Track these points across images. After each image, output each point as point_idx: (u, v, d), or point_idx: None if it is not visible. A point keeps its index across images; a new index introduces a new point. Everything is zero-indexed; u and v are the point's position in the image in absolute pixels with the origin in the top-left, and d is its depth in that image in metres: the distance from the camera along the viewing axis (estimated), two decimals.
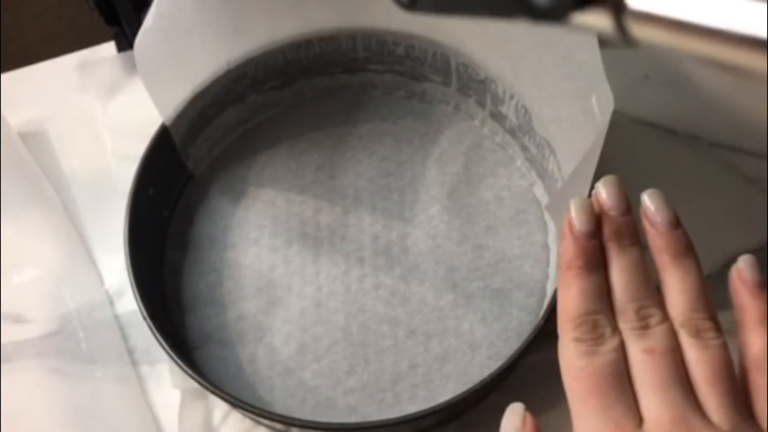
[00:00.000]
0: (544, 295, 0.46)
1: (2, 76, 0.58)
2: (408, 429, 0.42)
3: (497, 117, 0.51)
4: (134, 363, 0.47)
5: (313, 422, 0.40)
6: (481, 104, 0.52)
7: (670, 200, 0.29)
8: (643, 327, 0.26)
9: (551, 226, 0.48)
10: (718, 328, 0.27)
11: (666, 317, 0.27)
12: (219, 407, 0.45)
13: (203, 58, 0.48)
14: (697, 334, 0.26)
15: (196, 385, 0.41)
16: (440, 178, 0.51)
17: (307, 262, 0.48)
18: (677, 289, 0.27)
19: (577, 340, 0.27)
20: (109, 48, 0.59)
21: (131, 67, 0.57)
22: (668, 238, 0.28)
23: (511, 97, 0.48)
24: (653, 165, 0.53)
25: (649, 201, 0.29)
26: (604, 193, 0.29)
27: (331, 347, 0.45)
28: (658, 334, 0.26)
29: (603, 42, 0.36)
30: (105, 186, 0.53)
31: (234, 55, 0.49)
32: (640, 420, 0.25)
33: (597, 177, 0.36)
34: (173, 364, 0.41)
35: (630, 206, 0.29)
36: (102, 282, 0.50)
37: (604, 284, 0.28)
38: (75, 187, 0.54)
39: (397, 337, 0.45)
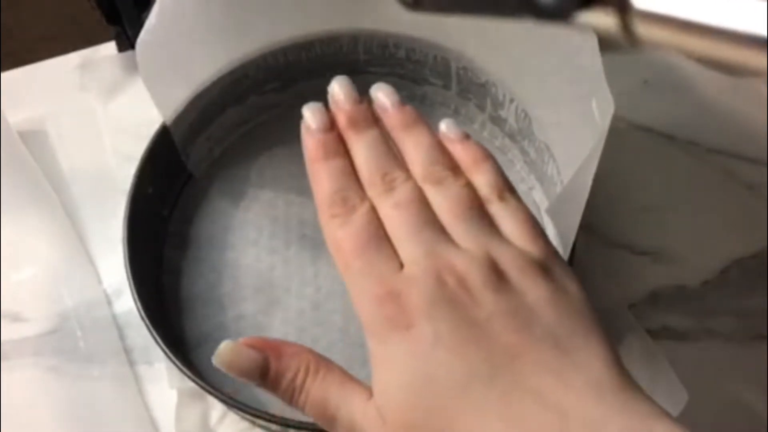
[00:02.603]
0: None
1: (2, 74, 0.58)
2: None
3: (497, 121, 0.51)
4: (132, 362, 0.47)
5: (309, 423, 0.40)
6: (480, 108, 0.52)
7: (395, 90, 0.32)
8: (389, 189, 0.28)
9: (550, 230, 0.48)
10: (457, 174, 0.29)
11: (410, 177, 0.29)
12: (216, 408, 0.45)
13: (204, 58, 0.48)
14: (437, 182, 0.28)
15: (193, 385, 0.41)
16: None
17: (306, 263, 0.48)
18: (414, 152, 0.30)
19: (332, 216, 0.28)
20: (109, 47, 0.59)
21: (132, 67, 0.57)
22: (398, 115, 0.31)
23: (511, 101, 0.49)
24: (652, 170, 0.53)
25: (376, 91, 0.32)
26: (337, 86, 0.32)
27: (330, 348, 0.45)
28: (402, 189, 0.28)
29: (603, 47, 0.36)
30: (104, 185, 0.53)
31: (235, 56, 0.49)
32: (401, 266, 0.26)
33: (596, 181, 0.36)
34: (170, 364, 0.41)
35: (360, 97, 0.31)
36: (100, 281, 0.50)
37: (349, 167, 0.29)
38: (74, 186, 0.53)
39: None
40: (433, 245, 0.26)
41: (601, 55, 0.37)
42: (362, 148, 0.30)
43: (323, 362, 0.29)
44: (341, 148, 0.30)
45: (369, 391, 0.27)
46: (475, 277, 0.25)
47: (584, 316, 0.26)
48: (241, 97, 0.52)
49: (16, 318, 0.48)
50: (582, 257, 0.44)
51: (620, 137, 0.50)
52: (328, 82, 0.54)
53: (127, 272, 0.43)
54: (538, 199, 0.49)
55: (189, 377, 0.40)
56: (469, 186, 0.29)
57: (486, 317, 0.25)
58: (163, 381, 0.45)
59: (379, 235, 0.27)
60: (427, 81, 0.53)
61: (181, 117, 0.48)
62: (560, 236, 0.44)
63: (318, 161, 0.30)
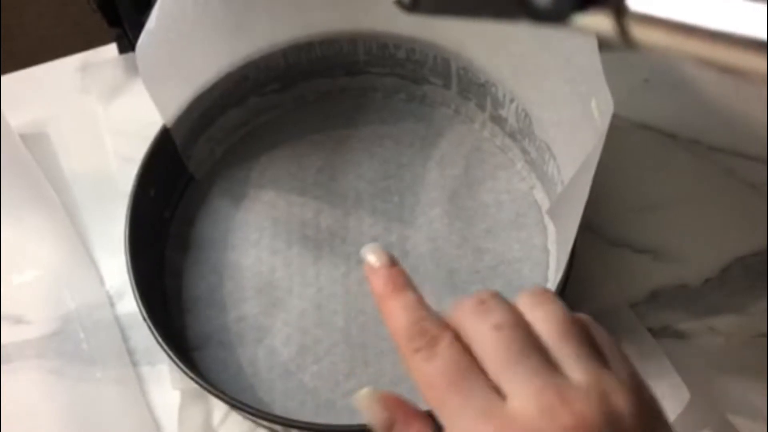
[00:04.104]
0: None
1: (4, 77, 0.58)
2: None
3: (497, 120, 0.51)
4: (134, 364, 0.47)
5: (312, 424, 0.40)
6: (481, 107, 0.52)
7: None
8: (485, 310, 0.26)
9: (551, 230, 0.48)
10: (553, 299, 0.27)
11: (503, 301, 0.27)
12: (219, 408, 0.45)
13: (204, 60, 0.48)
14: (538, 304, 0.26)
15: (195, 386, 0.41)
16: (440, 181, 0.51)
17: (308, 264, 0.48)
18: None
19: (415, 351, 0.26)
20: (110, 50, 0.59)
21: (133, 69, 0.57)
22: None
23: (512, 100, 0.49)
24: (653, 169, 0.53)
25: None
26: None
27: (331, 349, 0.45)
28: (500, 311, 0.26)
29: (603, 46, 0.36)
30: (106, 187, 0.53)
31: (235, 58, 0.49)
32: (503, 397, 0.24)
33: (596, 179, 0.36)
34: (173, 365, 0.41)
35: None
36: (102, 283, 0.50)
37: (421, 299, 0.28)
38: (76, 188, 0.54)
39: None
40: (542, 379, 0.24)
41: (601, 54, 0.37)
42: None
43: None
44: (408, 282, 0.29)
45: None
46: (593, 419, 0.23)
47: (664, 424, 0.25)
48: (241, 98, 0.52)
49: (19, 320, 0.48)
50: (583, 256, 0.44)
51: (621, 136, 0.50)
52: (328, 82, 0.55)
53: (129, 274, 0.43)
54: (539, 199, 0.49)
55: (191, 378, 0.40)
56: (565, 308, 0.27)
57: None
58: (165, 382, 0.46)
59: (472, 365, 0.25)
60: (427, 81, 0.53)
61: (182, 119, 0.48)
62: (561, 235, 0.45)
63: (388, 297, 0.28)
